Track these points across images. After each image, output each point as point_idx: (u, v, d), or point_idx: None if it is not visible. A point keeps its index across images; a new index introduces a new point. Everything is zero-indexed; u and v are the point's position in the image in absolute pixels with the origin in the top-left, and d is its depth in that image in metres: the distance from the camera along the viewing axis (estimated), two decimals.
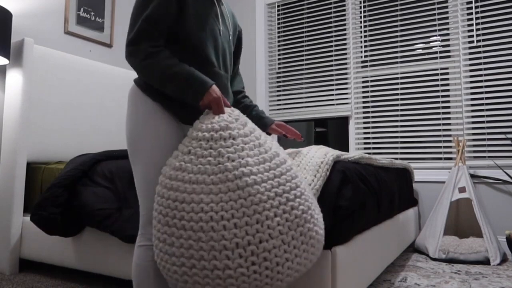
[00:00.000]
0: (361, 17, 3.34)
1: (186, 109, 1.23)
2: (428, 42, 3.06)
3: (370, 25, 3.29)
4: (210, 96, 1.12)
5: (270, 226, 1.00)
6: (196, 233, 1.00)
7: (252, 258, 0.99)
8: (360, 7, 3.34)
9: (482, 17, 2.86)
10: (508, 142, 2.71)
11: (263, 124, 1.54)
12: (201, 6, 1.24)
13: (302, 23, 3.61)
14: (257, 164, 1.06)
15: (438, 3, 3.04)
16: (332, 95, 3.41)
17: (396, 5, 3.18)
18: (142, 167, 1.17)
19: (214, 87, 1.13)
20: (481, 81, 2.84)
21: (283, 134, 1.54)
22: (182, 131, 1.26)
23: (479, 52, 2.86)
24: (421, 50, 3.09)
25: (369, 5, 3.30)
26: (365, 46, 3.30)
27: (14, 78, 2.27)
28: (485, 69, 2.83)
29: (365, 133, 3.25)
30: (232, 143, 1.07)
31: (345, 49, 3.39)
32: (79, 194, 1.91)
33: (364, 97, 3.28)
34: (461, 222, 2.81)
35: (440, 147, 2.96)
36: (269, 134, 1.59)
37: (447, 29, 3.00)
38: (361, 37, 3.33)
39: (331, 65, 3.44)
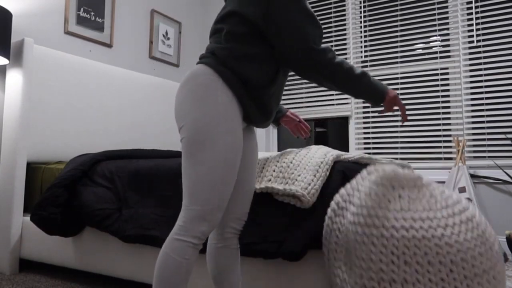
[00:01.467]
0: (361, 17, 3.34)
1: (258, 109, 1.21)
2: (428, 42, 3.06)
3: (370, 25, 3.29)
4: (391, 93, 1.25)
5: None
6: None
7: None
8: (360, 7, 3.34)
9: (482, 17, 2.86)
10: (508, 142, 2.71)
11: (280, 113, 1.59)
12: None
13: None
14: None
15: (438, 3, 3.04)
16: (332, 95, 3.41)
17: (396, 5, 3.18)
18: (209, 160, 1.09)
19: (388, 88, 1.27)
20: (481, 81, 2.84)
21: (298, 121, 1.60)
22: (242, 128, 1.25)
23: (479, 52, 2.86)
24: (421, 50, 3.09)
25: (369, 5, 3.30)
26: (365, 46, 3.30)
27: (14, 78, 2.27)
28: (485, 69, 2.83)
29: (365, 133, 3.25)
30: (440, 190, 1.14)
31: (345, 49, 3.39)
32: (79, 194, 1.91)
33: None
34: None
35: (440, 147, 2.96)
36: (278, 125, 1.65)
37: (447, 29, 3.00)
38: (361, 37, 3.33)
39: None
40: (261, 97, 1.20)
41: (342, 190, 1.27)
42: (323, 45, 1.18)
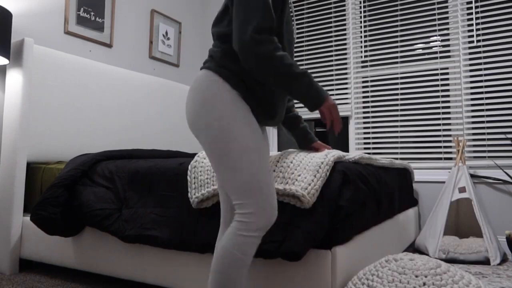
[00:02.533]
0: (361, 17, 3.34)
1: (261, 106, 1.22)
2: (428, 42, 3.06)
3: (370, 25, 3.29)
4: (330, 100, 1.19)
5: None
6: None
7: None
8: (360, 7, 3.34)
9: (482, 17, 2.86)
10: (508, 142, 2.71)
11: (309, 140, 1.63)
12: (289, 11, 1.30)
13: (302, 23, 3.61)
14: None
15: (438, 3, 3.04)
16: (332, 95, 3.41)
17: (396, 5, 3.18)
18: (240, 157, 1.10)
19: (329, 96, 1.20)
20: (481, 81, 2.84)
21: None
22: None
23: (479, 52, 2.86)
24: (421, 50, 3.09)
25: (369, 5, 3.30)
26: (365, 46, 3.30)
27: (14, 78, 2.27)
28: (485, 69, 2.83)
29: (365, 133, 3.25)
30: None
31: (345, 49, 3.38)
32: (79, 194, 1.91)
33: (364, 97, 3.28)
34: (461, 222, 2.81)
35: (440, 147, 2.96)
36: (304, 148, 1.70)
37: (447, 29, 3.00)
38: (361, 37, 3.33)
39: (331, 65, 3.44)
40: (261, 94, 1.21)
41: (360, 274, 1.33)
42: (265, 36, 1.10)
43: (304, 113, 3.50)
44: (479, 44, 2.86)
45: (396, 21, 3.18)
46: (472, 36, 2.90)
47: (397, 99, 3.14)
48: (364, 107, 3.27)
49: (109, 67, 2.86)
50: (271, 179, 1.15)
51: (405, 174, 2.60)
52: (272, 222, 1.13)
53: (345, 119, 3.39)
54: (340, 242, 1.43)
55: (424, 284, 1.16)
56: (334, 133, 1.26)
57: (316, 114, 3.45)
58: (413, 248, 2.79)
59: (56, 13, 2.72)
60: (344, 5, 3.41)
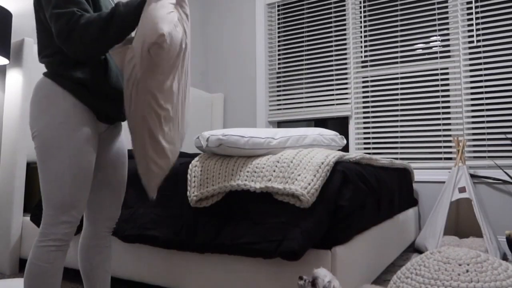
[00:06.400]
0: (361, 17, 3.34)
1: (106, 104, 1.22)
2: (428, 42, 3.06)
3: (370, 25, 3.29)
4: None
5: None
6: None
7: None
8: (360, 7, 3.34)
9: (482, 17, 2.86)
10: (508, 142, 2.71)
11: None
12: None
13: (302, 23, 3.61)
14: None
15: (438, 3, 3.04)
16: (332, 95, 3.41)
17: (396, 5, 3.18)
18: (55, 166, 1.12)
19: None
20: (481, 81, 2.84)
21: None
22: (98, 130, 1.25)
23: (479, 52, 2.86)
24: (421, 50, 3.09)
25: (369, 5, 3.30)
26: (365, 46, 3.30)
27: (14, 78, 2.27)
28: (485, 69, 2.83)
29: (365, 133, 3.25)
30: None
31: (345, 49, 3.39)
32: None
33: (364, 97, 3.28)
34: (461, 222, 2.81)
35: (440, 147, 2.96)
36: None
37: (447, 29, 3.00)
38: (361, 37, 3.33)
39: (331, 65, 3.44)
40: (104, 89, 1.20)
41: (407, 265, 1.45)
42: (62, 10, 1.07)
43: (302, 113, 3.49)
44: (479, 44, 2.86)
45: (396, 21, 3.18)
46: (472, 36, 2.90)
47: (397, 99, 3.13)
48: (364, 107, 3.27)
49: None
50: (80, 193, 1.14)
51: (405, 174, 2.60)
52: (72, 232, 1.15)
53: (345, 119, 3.39)
54: (340, 242, 1.43)
55: (467, 271, 1.27)
56: None
57: (316, 114, 3.44)
58: (413, 248, 2.79)
59: None
60: (344, 5, 3.41)
